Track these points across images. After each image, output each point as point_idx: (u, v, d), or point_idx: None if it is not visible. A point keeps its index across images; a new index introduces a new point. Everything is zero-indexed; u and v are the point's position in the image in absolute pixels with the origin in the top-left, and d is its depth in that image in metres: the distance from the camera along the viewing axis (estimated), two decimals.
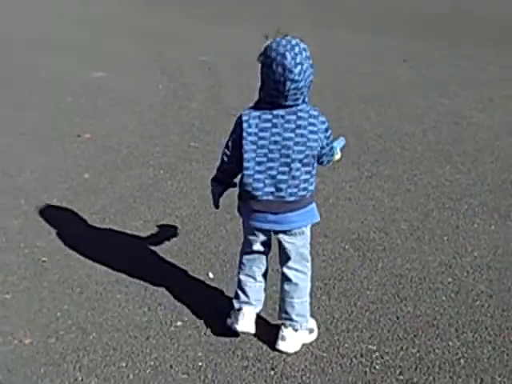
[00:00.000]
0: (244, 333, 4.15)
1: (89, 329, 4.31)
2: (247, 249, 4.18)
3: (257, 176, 3.79)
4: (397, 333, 4.18)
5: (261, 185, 3.79)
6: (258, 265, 4.18)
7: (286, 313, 4.12)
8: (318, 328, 4.22)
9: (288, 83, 3.54)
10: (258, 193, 3.82)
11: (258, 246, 4.12)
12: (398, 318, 4.32)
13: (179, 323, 4.33)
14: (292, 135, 3.70)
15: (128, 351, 4.07)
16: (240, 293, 4.22)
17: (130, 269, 5.00)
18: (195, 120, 8.34)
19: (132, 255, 5.20)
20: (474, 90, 9.47)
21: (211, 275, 4.88)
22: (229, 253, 5.17)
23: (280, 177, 3.75)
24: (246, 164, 3.80)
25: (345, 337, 4.15)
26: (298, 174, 3.75)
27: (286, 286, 4.11)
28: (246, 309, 4.17)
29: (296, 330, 4.07)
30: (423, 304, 4.48)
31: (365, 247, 5.22)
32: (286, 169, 3.74)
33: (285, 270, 4.13)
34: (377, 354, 3.98)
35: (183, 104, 9.01)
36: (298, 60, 3.53)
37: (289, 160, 3.72)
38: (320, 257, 5.09)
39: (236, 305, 4.23)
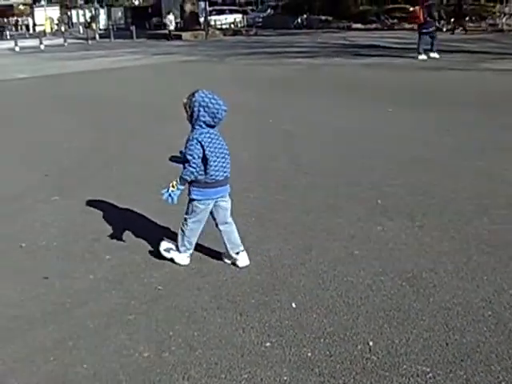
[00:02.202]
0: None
1: (195, 346, 4.31)
2: (201, 215, 5.35)
3: (219, 168, 5.16)
4: (446, 357, 4.05)
5: (221, 172, 5.18)
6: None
7: (237, 245, 5.51)
8: (381, 351, 4.14)
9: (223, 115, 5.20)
10: (219, 177, 5.18)
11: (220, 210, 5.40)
12: (447, 345, 4.20)
13: (268, 344, 4.29)
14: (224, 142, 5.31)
15: (226, 366, 4.05)
16: (191, 246, 5.55)
17: (227, 297, 5.00)
18: (278, 177, 8.32)
19: (229, 289, 5.18)
20: (507, 153, 9.25)
21: (294, 305, 4.83)
22: (308, 287, 5.11)
23: (228, 166, 5.28)
24: (213, 164, 5.11)
25: (403, 359, 4.05)
26: None
27: (230, 228, 5.50)
28: (188, 254, 5.59)
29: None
30: (468, 333, 4.34)
31: (418, 284, 5.11)
32: (228, 161, 5.28)
33: (229, 220, 5.49)
34: (430, 374, 3.87)
35: (268, 164, 9.00)
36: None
37: (227, 156, 5.27)
38: (381, 291, 4.99)
39: (185, 252, 5.57)
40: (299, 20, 47.66)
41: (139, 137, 11.34)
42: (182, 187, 5.19)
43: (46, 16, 63.03)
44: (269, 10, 55.89)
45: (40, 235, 6.51)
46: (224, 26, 47.51)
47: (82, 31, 57.93)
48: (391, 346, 4.20)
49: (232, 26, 48.25)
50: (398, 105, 13.26)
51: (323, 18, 46.24)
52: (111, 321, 4.71)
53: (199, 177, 5.15)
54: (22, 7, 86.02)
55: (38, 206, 7.57)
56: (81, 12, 68.50)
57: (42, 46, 40.14)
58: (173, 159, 7.00)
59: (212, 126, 5.19)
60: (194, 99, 5.07)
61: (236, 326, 4.55)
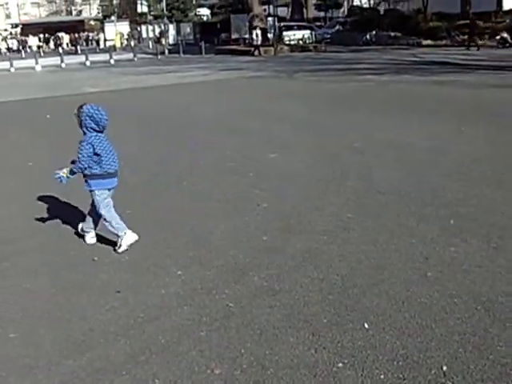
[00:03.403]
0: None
1: (267, 365, 4.34)
2: (106, 201, 6.56)
3: (110, 162, 6.47)
4: None
5: (112, 166, 6.51)
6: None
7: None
8: (456, 376, 4.09)
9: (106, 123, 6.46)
10: (112, 170, 6.51)
11: (109, 198, 6.62)
12: None
13: (340, 364, 4.30)
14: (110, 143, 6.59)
15: None
16: (121, 224, 6.60)
17: (299, 316, 5.01)
18: (350, 195, 8.30)
19: (301, 308, 5.19)
20: None
21: (366, 325, 4.82)
22: (381, 308, 5.09)
23: (116, 162, 6.58)
24: (105, 159, 6.41)
25: None
26: None
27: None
28: (128, 231, 6.55)
29: None
30: None
31: (494, 308, 5.03)
32: (116, 157, 6.57)
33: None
34: None
35: (340, 182, 8.99)
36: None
37: (115, 153, 6.58)
38: (455, 314, 4.94)
39: (123, 232, 6.55)
40: (368, 36, 47.47)
41: (208, 150, 11.46)
42: (70, 176, 6.51)
43: (116, 31, 64.21)
44: (337, 27, 55.83)
45: (110, 251, 6.65)
46: (292, 42, 47.60)
47: (151, 46, 58.93)
48: (466, 372, 4.15)
49: (300, 42, 48.33)
50: (470, 123, 13.07)
51: (392, 34, 45.91)
52: (183, 337, 4.79)
53: (93, 171, 6.44)
54: (92, 23, 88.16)
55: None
56: (150, 27, 69.68)
57: (112, 61, 41.03)
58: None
59: (99, 131, 6.44)
60: (81, 110, 6.35)
61: (308, 346, 4.56)
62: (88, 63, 40.79)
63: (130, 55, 44.86)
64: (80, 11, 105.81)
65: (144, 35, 72.22)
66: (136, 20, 74.42)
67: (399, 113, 15.24)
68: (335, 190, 8.61)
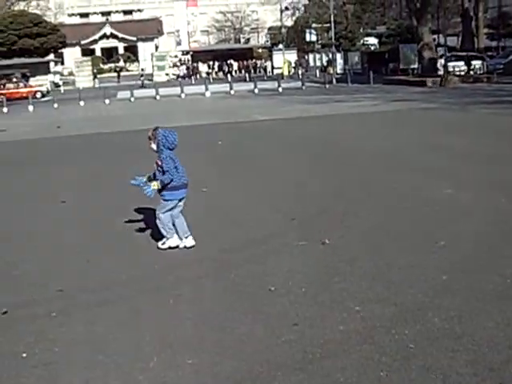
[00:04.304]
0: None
1: None
2: (169, 209, 7.83)
3: (184, 175, 7.87)
4: None
5: (185, 177, 7.90)
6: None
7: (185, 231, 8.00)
8: None
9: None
10: (186, 181, 7.89)
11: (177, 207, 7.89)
12: None
13: None
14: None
15: None
16: (172, 229, 7.96)
17: (484, 363, 4.80)
18: None
19: (486, 354, 4.98)
20: None
21: None
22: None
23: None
24: (181, 172, 7.81)
25: None
26: None
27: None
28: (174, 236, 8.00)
29: None
30: None
31: None
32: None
33: (181, 213, 7.97)
34: None
35: None
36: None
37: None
38: None
39: (172, 235, 7.96)
40: None
41: (381, 187, 11.32)
42: (159, 187, 7.69)
43: (283, 59, 65.45)
44: (511, 57, 53.99)
45: (288, 280, 6.72)
46: (462, 73, 46.49)
47: (318, 75, 59.49)
48: None
49: (471, 72, 47.12)
50: None
51: None
52: (362, 377, 4.72)
53: (173, 183, 7.69)
54: (260, 50, 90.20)
55: (285, 249, 7.84)
56: (317, 56, 70.46)
57: (280, 89, 41.75)
58: (132, 182, 8.17)
59: (171, 149, 7.75)
60: (157, 133, 7.73)
61: None
62: (256, 91, 41.77)
63: (298, 83, 45.50)
64: (248, 39, 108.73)
65: (311, 63, 73.10)
66: (303, 48, 75.42)
67: None
68: None
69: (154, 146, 7.78)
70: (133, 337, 5.64)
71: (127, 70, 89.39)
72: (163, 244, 8.00)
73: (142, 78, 62.10)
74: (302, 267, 7.14)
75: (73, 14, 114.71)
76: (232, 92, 41.89)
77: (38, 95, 53.83)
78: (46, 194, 12.30)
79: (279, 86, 42.30)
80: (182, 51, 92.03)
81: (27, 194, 12.42)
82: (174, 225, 7.93)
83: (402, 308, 5.86)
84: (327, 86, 44.45)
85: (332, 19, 60.23)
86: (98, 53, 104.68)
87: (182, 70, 75.62)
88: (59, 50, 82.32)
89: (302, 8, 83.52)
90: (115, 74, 79.84)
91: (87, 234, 9.10)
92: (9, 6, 52.29)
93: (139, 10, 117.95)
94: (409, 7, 51.92)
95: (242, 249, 8.02)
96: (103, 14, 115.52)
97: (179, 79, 62.89)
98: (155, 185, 7.69)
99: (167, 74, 75.44)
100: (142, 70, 69.47)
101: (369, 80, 43.22)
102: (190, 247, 7.94)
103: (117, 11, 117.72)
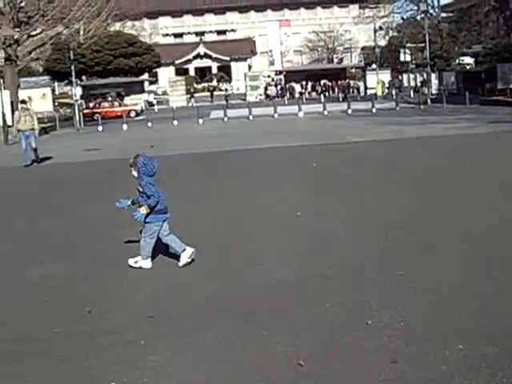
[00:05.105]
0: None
1: None
2: (155, 232, 8.37)
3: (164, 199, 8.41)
4: None
5: (165, 202, 8.41)
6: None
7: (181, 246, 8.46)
8: None
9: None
10: (166, 205, 8.42)
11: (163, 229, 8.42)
12: None
13: None
14: None
15: None
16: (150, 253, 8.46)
17: None
18: None
19: None
20: None
21: None
22: None
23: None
24: (162, 197, 8.33)
25: None
26: None
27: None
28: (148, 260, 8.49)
29: None
30: None
31: None
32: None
33: (169, 232, 8.49)
34: None
35: None
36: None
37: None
38: None
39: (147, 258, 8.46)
40: None
41: (460, 214, 10.89)
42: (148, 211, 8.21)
43: (377, 79, 64.96)
44: None
45: (385, 313, 6.44)
46: None
47: (412, 95, 58.75)
48: None
49: None
50: None
51: None
52: None
53: (157, 207, 8.22)
54: (353, 70, 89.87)
55: (379, 279, 7.57)
56: (411, 76, 69.66)
57: (374, 110, 41.31)
58: (118, 205, 8.85)
59: (151, 176, 8.25)
60: (138, 160, 8.23)
61: None
62: (350, 111, 41.49)
63: (392, 104, 44.95)
64: (341, 59, 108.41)
65: (405, 84, 72.31)
66: (397, 68, 74.75)
67: None
68: None
69: (134, 173, 8.35)
70: (221, 370, 5.51)
71: (220, 90, 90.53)
72: (136, 263, 8.46)
73: (227, 98, 63.30)
74: (398, 300, 6.85)
75: (167, 35, 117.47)
76: (325, 112, 41.73)
77: (133, 114, 55.24)
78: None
79: (373, 106, 41.85)
80: (275, 71, 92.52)
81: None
82: (167, 245, 8.59)
83: (509, 348, 5.52)
84: (422, 106, 43.69)
85: (427, 38, 59.49)
86: (192, 72, 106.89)
87: (274, 90, 75.97)
88: (153, 70, 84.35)
89: (396, 27, 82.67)
90: (208, 94, 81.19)
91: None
92: (105, 26, 53.69)
93: (233, 30, 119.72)
94: (507, 25, 50.83)
95: (336, 276, 7.80)
96: (197, 34, 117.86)
97: (268, 99, 63.42)
98: (144, 209, 8.19)
99: (260, 95, 76.19)
100: (226, 90, 70.51)
101: (465, 100, 42.26)
102: (191, 254, 8.41)
103: (210, 31, 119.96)
